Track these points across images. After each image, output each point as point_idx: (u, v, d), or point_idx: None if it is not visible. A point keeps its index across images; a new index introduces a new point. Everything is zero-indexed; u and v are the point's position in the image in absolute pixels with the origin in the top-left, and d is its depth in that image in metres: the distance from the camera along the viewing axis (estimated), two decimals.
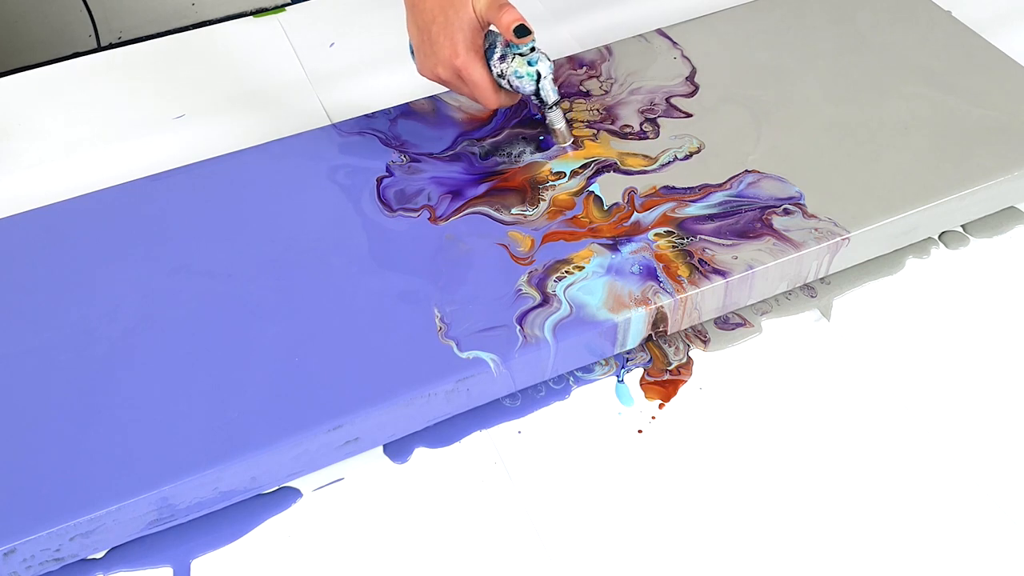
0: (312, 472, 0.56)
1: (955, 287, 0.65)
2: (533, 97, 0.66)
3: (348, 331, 0.58)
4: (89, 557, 0.53)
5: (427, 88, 0.75)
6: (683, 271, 0.60)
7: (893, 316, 0.64)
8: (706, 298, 0.60)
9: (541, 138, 0.70)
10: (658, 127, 0.71)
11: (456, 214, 0.65)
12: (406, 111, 0.73)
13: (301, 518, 0.55)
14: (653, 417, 0.59)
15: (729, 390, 0.60)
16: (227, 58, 0.86)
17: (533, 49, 0.64)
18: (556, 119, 0.67)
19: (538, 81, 0.64)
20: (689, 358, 0.62)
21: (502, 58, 0.64)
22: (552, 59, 0.66)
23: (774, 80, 0.74)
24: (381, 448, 0.58)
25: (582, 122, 0.71)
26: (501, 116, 0.72)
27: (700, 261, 0.61)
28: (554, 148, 0.69)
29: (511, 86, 0.65)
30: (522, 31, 0.62)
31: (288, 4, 0.92)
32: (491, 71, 0.64)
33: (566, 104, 0.72)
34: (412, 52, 0.67)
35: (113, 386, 0.55)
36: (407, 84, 0.79)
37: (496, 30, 0.64)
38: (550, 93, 0.65)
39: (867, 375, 0.60)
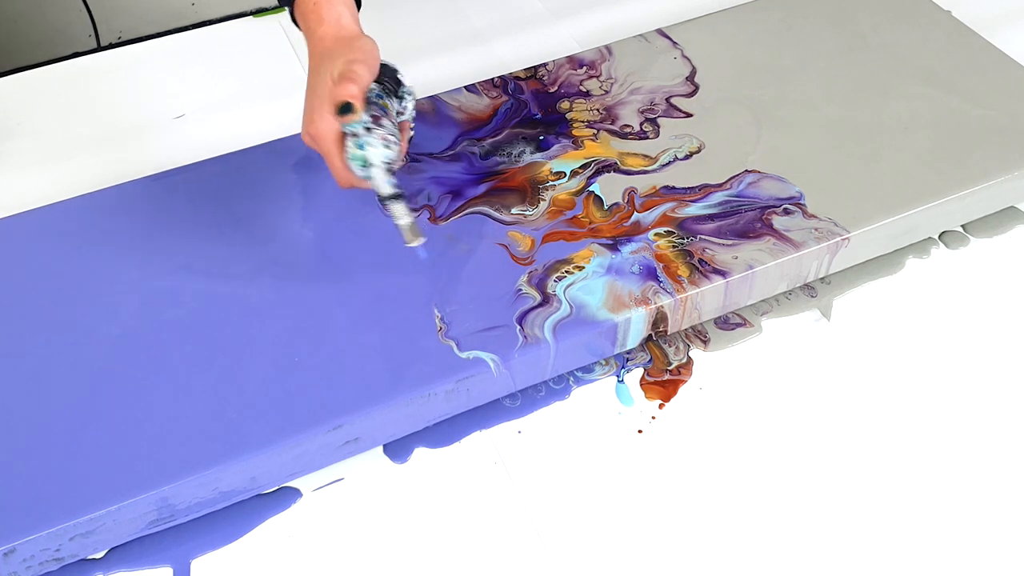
0: (312, 472, 0.56)
1: (955, 287, 0.65)
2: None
3: (348, 331, 0.58)
4: (89, 557, 0.53)
5: (427, 88, 0.76)
6: (683, 271, 0.60)
7: (893, 316, 0.64)
8: (706, 298, 0.60)
9: (541, 138, 0.70)
10: (658, 127, 0.71)
11: (456, 214, 0.65)
12: None
13: (301, 518, 0.55)
14: (653, 417, 0.59)
15: (729, 390, 0.60)
16: (227, 58, 0.86)
17: (369, 130, 0.55)
18: (395, 214, 0.56)
19: (367, 168, 0.55)
20: (689, 358, 0.62)
21: (344, 136, 0.56)
22: (394, 147, 0.56)
23: (774, 80, 0.74)
24: (381, 448, 0.58)
25: (582, 122, 0.71)
26: (501, 116, 0.72)
27: (700, 261, 0.61)
28: (553, 148, 0.69)
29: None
30: (344, 109, 0.54)
31: None
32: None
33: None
34: None
35: (113, 386, 0.55)
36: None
37: None
38: (380, 185, 0.55)
39: (867, 375, 0.60)
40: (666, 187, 0.66)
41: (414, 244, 0.56)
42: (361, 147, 0.55)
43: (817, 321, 0.64)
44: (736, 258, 0.61)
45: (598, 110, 0.72)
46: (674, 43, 0.78)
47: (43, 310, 0.60)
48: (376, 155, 0.55)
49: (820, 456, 0.57)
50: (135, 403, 0.55)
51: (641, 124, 0.71)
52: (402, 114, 0.61)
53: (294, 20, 0.62)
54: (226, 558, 0.53)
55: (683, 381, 0.60)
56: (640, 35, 0.79)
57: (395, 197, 0.55)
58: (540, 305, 0.59)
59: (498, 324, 0.58)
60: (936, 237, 0.68)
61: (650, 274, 0.60)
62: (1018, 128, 0.69)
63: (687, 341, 0.62)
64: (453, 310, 0.58)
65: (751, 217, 0.63)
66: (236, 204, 0.66)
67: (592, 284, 0.60)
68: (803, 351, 0.62)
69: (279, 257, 0.62)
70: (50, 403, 0.55)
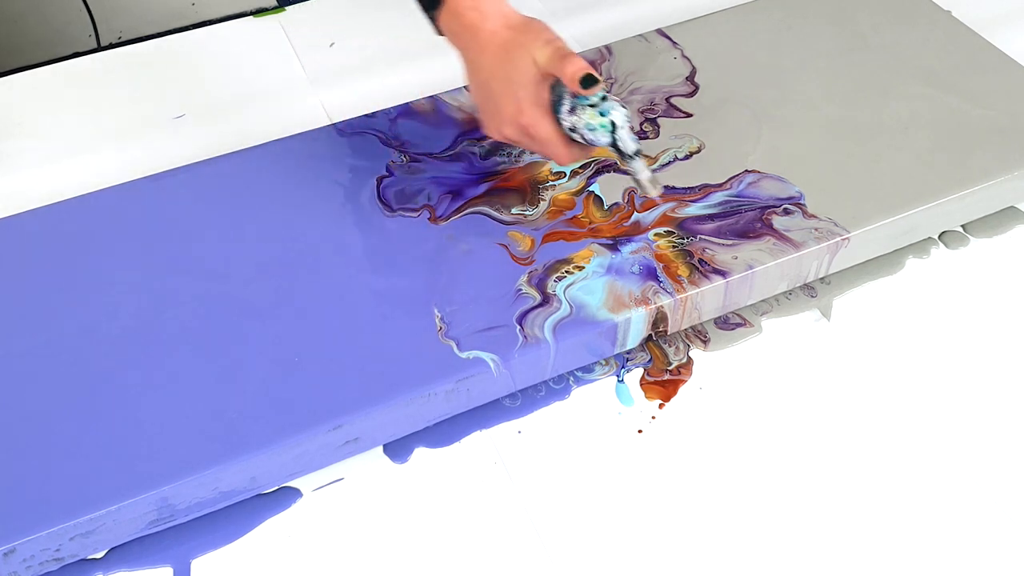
0: (312, 472, 0.56)
1: (955, 287, 0.65)
2: (611, 148, 0.59)
3: (348, 331, 0.58)
4: (89, 557, 0.53)
5: (427, 88, 0.76)
6: (683, 271, 0.60)
7: (893, 316, 0.64)
8: (706, 298, 0.60)
9: None
10: (658, 127, 0.71)
11: (456, 214, 0.65)
12: (406, 111, 0.73)
13: (301, 518, 0.55)
14: (653, 417, 0.59)
15: (729, 390, 0.60)
16: (227, 58, 0.86)
17: (605, 98, 0.58)
18: (638, 169, 0.59)
19: (614, 132, 0.58)
20: (689, 358, 0.62)
21: (572, 110, 0.58)
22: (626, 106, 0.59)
23: (774, 80, 0.74)
24: (381, 448, 0.58)
25: None
26: None
27: (700, 261, 0.61)
28: None
29: (584, 139, 0.59)
30: (589, 81, 0.56)
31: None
32: (561, 125, 0.59)
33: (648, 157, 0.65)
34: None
35: (113, 386, 0.55)
36: (407, 84, 0.79)
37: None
38: (628, 143, 0.58)
39: (867, 375, 0.60)
40: (666, 187, 0.66)
41: (654, 195, 0.60)
42: (604, 113, 0.57)
43: (817, 321, 0.64)
44: (736, 258, 0.61)
45: None
46: (674, 43, 0.78)
47: (43, 310, 0.60)
48: (620, 116, 0.58)
49: (820, 456, 0.57)
50: (135, 403, 0.55)
51: (641, 124, 0.71)
52: None
53: (436, 26, 0.61)
54: (226, 558, 0.53)
55: (683, 381, 0.60)
56: (640, 35, 0.79)
57: (640, 152, 0.59)
58: (540, 305, 0.59)
59: (498, 324, 0.58)
60: (936, 237, 0.68)
61: (650, 274, 0.60)
62: (1018, 128, 0.69)
63: (687, 341, 0.62)
64: (453, 310, 0.58)
65: (751, 217, 0.63)
66: (236, 204, 0.66)
67: (592, 284, 0.60)
68: (803, 351, 0.62)
69: (279, 257, 0.62)
70: (50, 403, 0.55)
